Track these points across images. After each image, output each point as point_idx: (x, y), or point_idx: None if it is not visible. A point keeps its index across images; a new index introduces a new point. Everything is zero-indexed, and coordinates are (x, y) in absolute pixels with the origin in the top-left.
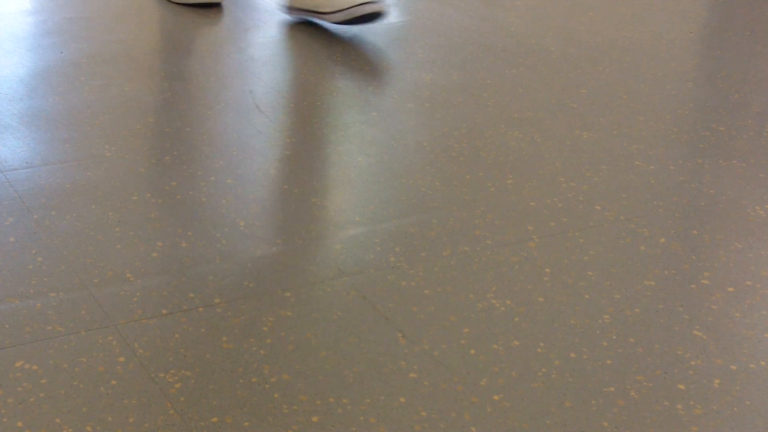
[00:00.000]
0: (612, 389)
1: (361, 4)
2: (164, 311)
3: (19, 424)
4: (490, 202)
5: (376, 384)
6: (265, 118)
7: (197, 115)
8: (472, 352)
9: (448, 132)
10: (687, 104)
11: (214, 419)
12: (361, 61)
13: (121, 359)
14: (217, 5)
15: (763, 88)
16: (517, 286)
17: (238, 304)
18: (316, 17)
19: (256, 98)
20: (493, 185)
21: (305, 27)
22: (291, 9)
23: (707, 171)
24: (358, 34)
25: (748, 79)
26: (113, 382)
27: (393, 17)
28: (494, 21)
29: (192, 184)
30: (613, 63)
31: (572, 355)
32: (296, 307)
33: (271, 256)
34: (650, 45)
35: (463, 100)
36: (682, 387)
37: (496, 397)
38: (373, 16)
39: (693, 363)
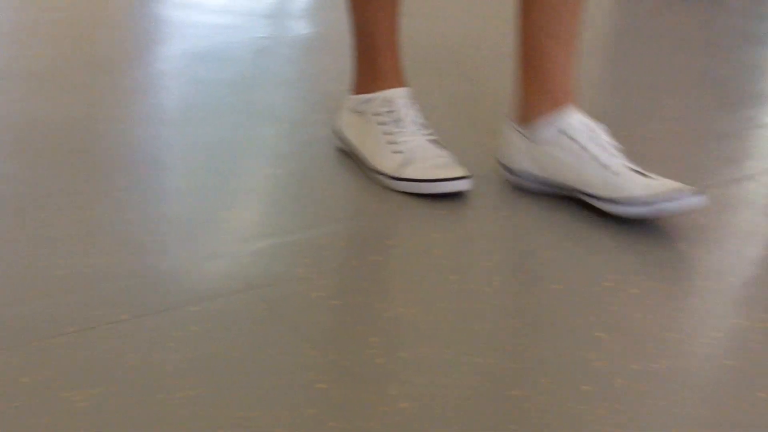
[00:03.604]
0: (518, 393)
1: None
2: (71, 329)
3: None
4: (398, 211)
5: (285, 396)
6: (173, 132)
7: (104, 130)
8: (380, 360)
9: None
10: (597, 111)
11: None
12: (271, 73)
13: (24, 380)
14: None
15: (669, 94)
16: (425, 293)
17: (145, 320)
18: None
19: (164, 112)
20: (401, 195)
21: (213, 42)
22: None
23: None
24: (269, 47)
25: (657, 86)
26: (17, 403)
27: (303, 28)
28: (404, 30)
29: (99, 199)
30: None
31: (478, 360)
32: (204, 321)
33: (177, 271)
34: None
35: None
36: (586, 388)
37: (404, 405)
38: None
39: (596, 364)
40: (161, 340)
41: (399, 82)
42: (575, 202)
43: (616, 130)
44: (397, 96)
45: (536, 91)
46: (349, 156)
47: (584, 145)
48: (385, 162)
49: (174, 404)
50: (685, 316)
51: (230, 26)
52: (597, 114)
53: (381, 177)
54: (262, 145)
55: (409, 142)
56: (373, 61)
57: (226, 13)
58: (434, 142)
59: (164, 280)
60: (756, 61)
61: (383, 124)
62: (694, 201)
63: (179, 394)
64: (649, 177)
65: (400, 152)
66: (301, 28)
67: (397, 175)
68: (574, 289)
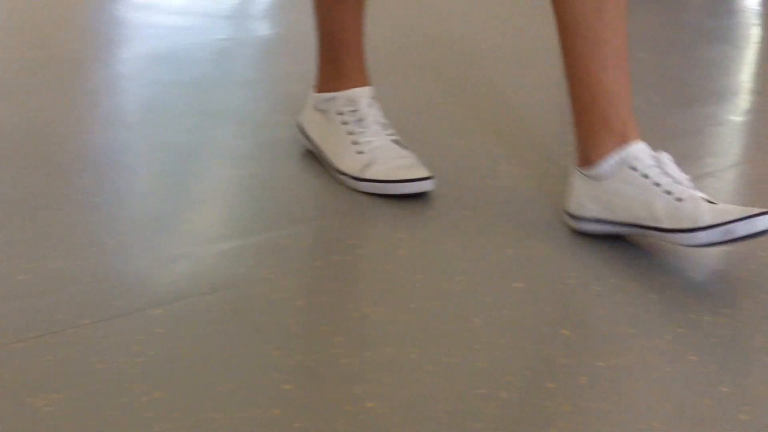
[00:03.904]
0: (483, 391)
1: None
2: (32, 334)
3: None
4: (361, 211)
5: (250, 398)
6: (134, 134)
7: (64, 132)
8: (345, 360)
9: None
10: (553, 108)
11: None
12: (232, 75)
13: None
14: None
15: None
16: (389, 293)
17: (108, 324)
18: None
19: (124, 114)
20: (364, 195)
21: (173, 44)
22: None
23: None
24: (230, 48)
25: None
26: None
27: (264, 29)
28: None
29: (60, 203)
30: (479, 68)
31: (443, 359)
32: (168, 323)
33: (141, 273)
34: (515, 49)
35: None
36: (551, 385)
37: (369, 404)
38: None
39: (561, 361)
40: (125, 344)
41: (363, 81)
42: (536, 201)
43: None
44: (361, 95)
45: (595, 129)
46: (313, 156)
47: (648, 174)
48: (349, 162)
49: (138, 408)
50: (648, 312)
51: (190, 27)
52: (559, 112)
53: (344, 177)
54: (224, 147)
55: (371, 142)
56: (337, 60)
57: (186, 15)
58: (397, 142)
59: (127, 283)
60: (715, 59)
61: (346, 123)
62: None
63: (143, 398)
64: (718, 204)
65: (363, 152)
66: (262, 29)
67: (360, 175)
68: (538, 287)
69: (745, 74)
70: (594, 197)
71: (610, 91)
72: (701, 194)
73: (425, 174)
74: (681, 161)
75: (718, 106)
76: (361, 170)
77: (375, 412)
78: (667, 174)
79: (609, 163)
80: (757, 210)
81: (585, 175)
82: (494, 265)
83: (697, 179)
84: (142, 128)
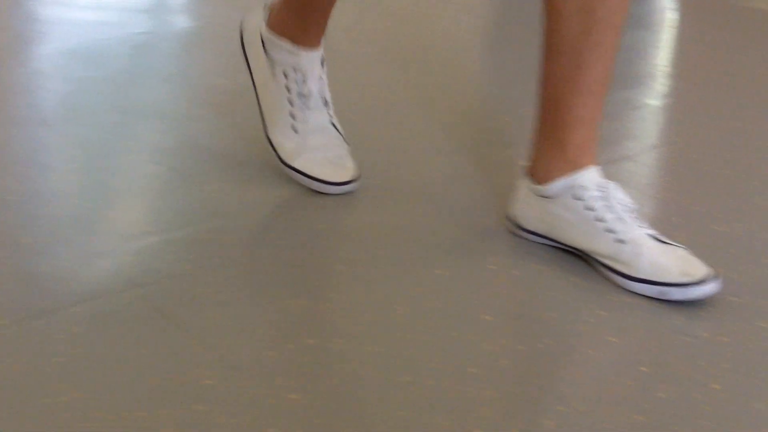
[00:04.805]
0: (407, 379)
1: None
2: None
3: None
4: (283, 204)
5: (172, 394)
6: (52, 132)
7: None
8: (267, 353)
9: (241, 136)
10: (476, 97)
11: None
12: (151, 69)
13: None
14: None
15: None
16: (312, 285)
17: (26, 323)
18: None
19: (41, 111)
20: (287, 187)
21: (89, 39)
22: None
23: (492, 162)
24: (148, 42)
25: (524, 69)
26: None
27: (183, 23)
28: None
29: None
30: (405, 61)
31: (367, 348)
32: (88, 322)
33: (59, 272)
34: (441, 42)
35: (253, 104)
36: (473, 370)
37: (293, 396)
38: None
39: (483, 346)
40: (45, 343)
41: (318, 46)
42: (457, 193)
43: (498, 113)
44: (313, 64)
45: (550, 150)
46: (234, 149)
47: (592, 207)
48: (281, 138)
49: (59, 408)
50: (568, 295)
51: (107, 23)
52: (479, 100)
53: (274, 153)
54: (143, 142)
55: (309, 120)
56: (304, 12)
57: (102, 10)
58: (334, 125)
59: (46, 282)
60: (632, 44)
61: (289, 91)
62: (704, 291)
63: (64, 398)
64: (665, 243)
65: (297, 132)
66: (180, 22)
67: (288, 162)
68: (459, 273)
69: (662, 58)
70: (538, 213)
71: (576, 117)
72: (646, 231)
73: (350, 176)
74: (600, 146)
75: (636, 90)
76: (290, 156)
77: (298, 404)
78: (611, 209)
79: (556, 187)
80: (695, 275)
81: (532, 188)
82: (417, 254)
83: (616, 163)
84: (60, 126)
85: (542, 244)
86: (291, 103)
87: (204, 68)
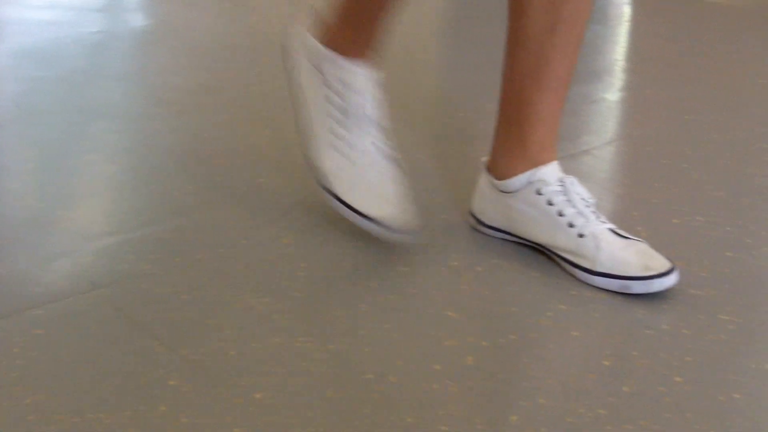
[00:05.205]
0: (371, 376)
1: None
2: None
3: None
4: (243, 201)
5: (135, 395)
6: (6, 133)
7: None
8: (232, 353)
9: (198, 134)
10: (433, 93)
11: None
12: (106, 68)
13: None
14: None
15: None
16: (275, 283)
17: None
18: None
19: None
20: (245, 185)
21: (43, 39)
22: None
23: (453, 157)
24: (103, 41)
25: (481, 65)
26: None
27: (138, 21)
28: (238, 21)
29: None
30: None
31: (331, 346)
32: (49, 324)
33: (19, 274)
34: (399, 39)
35: (211, 101)
36: (437, 367)
37: (257, 395)
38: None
39: (447, 343)
40: (5, 346)
41: (367, 56)
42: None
43: (457, 109)
44: (358, 76)
45: (511, 147)
46: (193, 145)
47: (553, 201)
48: (324, 160)
49: (22, 411)
50: (531, 290)
51: (61, 22)
52: (438, 96)
53: (313, 174)
54: (99, 142)
55: (356, 144)
56: (361, 23)
57: (56, 9)
58: (387, 154)
59: (5, 285)
60: (588, 39)
61: (330, 102)
62: (665, 283)
63: (27, 401)
64: (625, 237)
65: (345, 156)
66: (135, 21)
67: (339, 194)
68: (422, 270)
69: (618, 53)
70: (498, 208)
71: (537, 114)
72: (606, 225)
73: (414, 226)
74: (558, 141)
75: (593, 85)
76: (336, 183)
77: (263, 403)
78: (571, 203)
79: (517, 182)
80: (656, 268)
81: (493, 183)
82: (378, 251)
83: (575, 157)
84: (14, 126)
85: (504, 239)
86: (333, 117)
87: (159, 67)
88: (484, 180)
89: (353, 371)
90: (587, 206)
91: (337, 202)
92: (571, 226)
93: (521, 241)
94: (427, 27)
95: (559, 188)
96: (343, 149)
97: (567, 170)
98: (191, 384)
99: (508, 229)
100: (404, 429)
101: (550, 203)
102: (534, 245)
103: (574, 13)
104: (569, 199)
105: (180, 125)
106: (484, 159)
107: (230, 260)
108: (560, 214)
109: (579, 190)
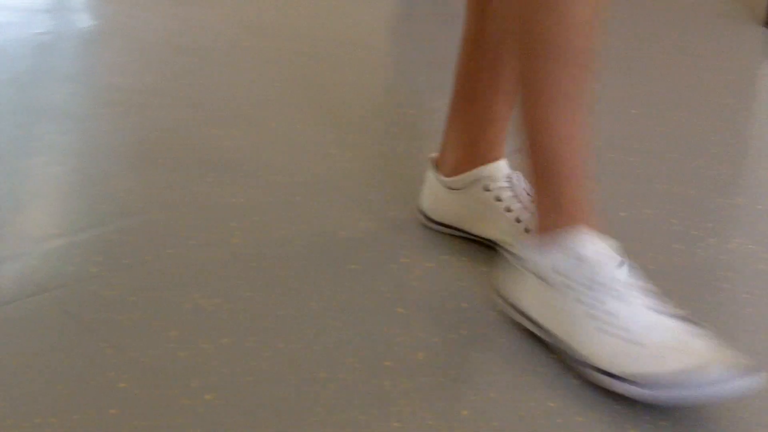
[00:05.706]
0: (323, 374)
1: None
2: None
3: None
4: (191, 202)
5: (85, 399)
6: None
7: None
8: (182, 354)
9: (146, 135)
10: (382, 90)
11: None
12: (53, 69)
13: None
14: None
15: (449, 70)
16: (224, 283)
17: None
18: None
19: None
20: (195, 185)
21: (7, 42)
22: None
23: (401, 154)
24: (50, 42)
25: (434, 62)
26: None
27: (84, 22)
28: (186, 20)
29: None
30: (311, 55)
31: (281, 345)
32: None
33: None
34: (346, 36)
35: (159, 102)
36: (389, 364)
37: (208, 396)
38: None
39: (399, 339)
40: None
41: (594, 224)
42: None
43: (404, 106)
44: (607, 256)
45: (461, 146)
46: (141, 147)
47: (500, 197)
48: (600, 349)
49: None
50: (480, 285)
51: (7, 23)
52: (385, 93)
53: (603, 377)
54: (46, 143)
55: (619, 313)
56: (561, 191)
57: (1, 10)
58: (686, 320)
59: None
60: None
61: (571, 289)
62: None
63: None
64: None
65: (621, 337)
66: (82, 21)
67: (627, 376)
68: (371, 267)
69: None
70: (447, 205)
71: (491, 115)
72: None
73: (748, 362)
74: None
75: None
76: (645, 369)
77: (214, 404)
78: (518, 198)
79: (465, 179)
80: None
81: (441, 181)
82: (329, 249)
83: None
84: None
85: (452, 235)
86: (584, 302)
87: (106, 67)
88: (432, 177)
89: (304, 370)
90: (533, 201)
91: (638, 389)
92: (518, 221)
93: (470, 237)
94: (377, 24)
95: (506, 184)
96: (624, 330)
97: (513, 165)
98: (141, 386)
99: (456, 225)
100: (357, 427)
101: (498, 199)
102: (483, 241)
103: (532, 15)
104: (516, 195)
105: (127, 126)
106: (432, 156)
107: (178, 261)
108: (508, 210)
109: (525, 186)
